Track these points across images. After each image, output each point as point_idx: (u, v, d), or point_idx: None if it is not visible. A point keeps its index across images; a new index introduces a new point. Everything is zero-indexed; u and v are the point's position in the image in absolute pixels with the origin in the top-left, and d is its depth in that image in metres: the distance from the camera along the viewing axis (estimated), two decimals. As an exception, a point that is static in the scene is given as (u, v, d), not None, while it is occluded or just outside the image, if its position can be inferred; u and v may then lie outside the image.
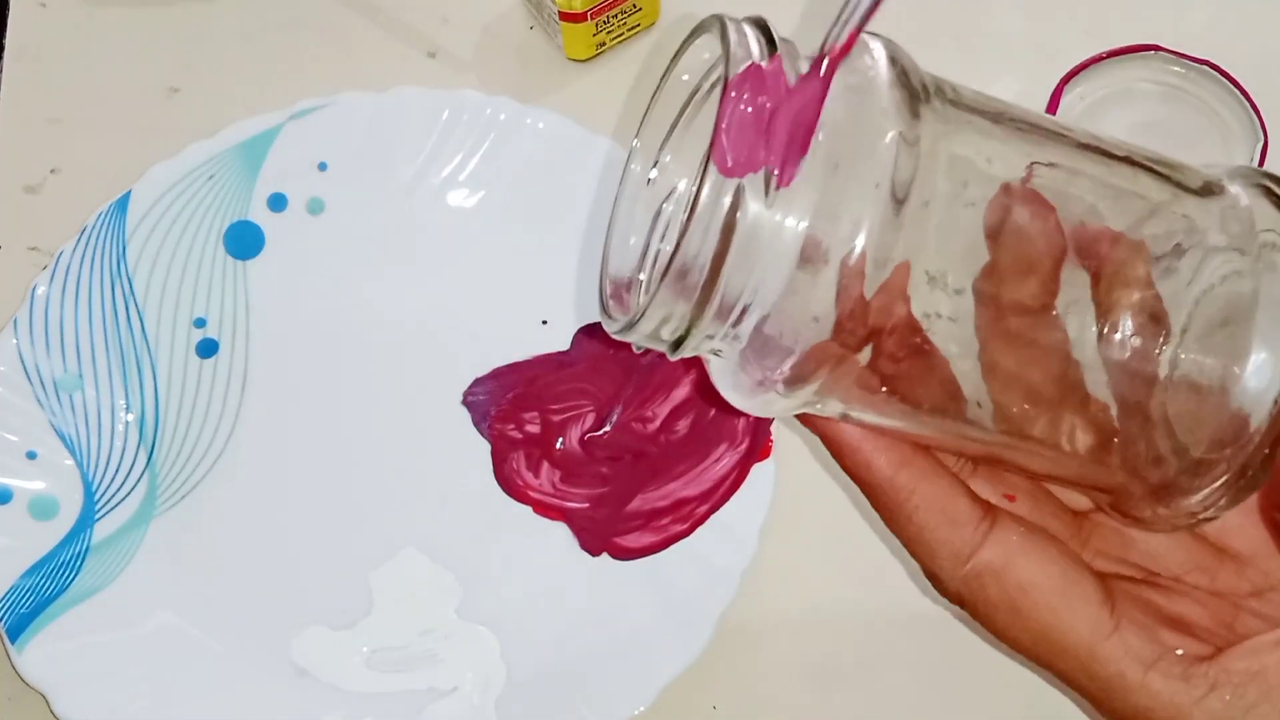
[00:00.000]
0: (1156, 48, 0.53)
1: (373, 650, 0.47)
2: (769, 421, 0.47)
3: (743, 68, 0.25)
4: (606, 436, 0.49)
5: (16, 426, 0.47)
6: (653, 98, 0.30)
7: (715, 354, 0.28)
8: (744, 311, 0.26)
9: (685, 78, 0.30)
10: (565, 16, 0.54)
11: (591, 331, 0.51)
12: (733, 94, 0.25)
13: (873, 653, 0.48)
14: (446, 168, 0.52)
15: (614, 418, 0.49)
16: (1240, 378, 0.28)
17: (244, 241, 0.51)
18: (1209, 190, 0.29)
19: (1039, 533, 0.29)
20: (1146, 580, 0.30)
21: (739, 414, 0.48)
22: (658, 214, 0.31)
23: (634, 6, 0.55)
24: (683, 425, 0.49)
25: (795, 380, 0.26)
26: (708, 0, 0.57)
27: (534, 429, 0.49)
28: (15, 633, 0.45)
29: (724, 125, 0.25)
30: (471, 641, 0.47)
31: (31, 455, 0.47)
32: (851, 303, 0.25)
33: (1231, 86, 0.52)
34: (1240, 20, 0.57)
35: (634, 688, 0.45)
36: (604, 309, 0.30)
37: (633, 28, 0.56)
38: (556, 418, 0.49)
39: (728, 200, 0.25)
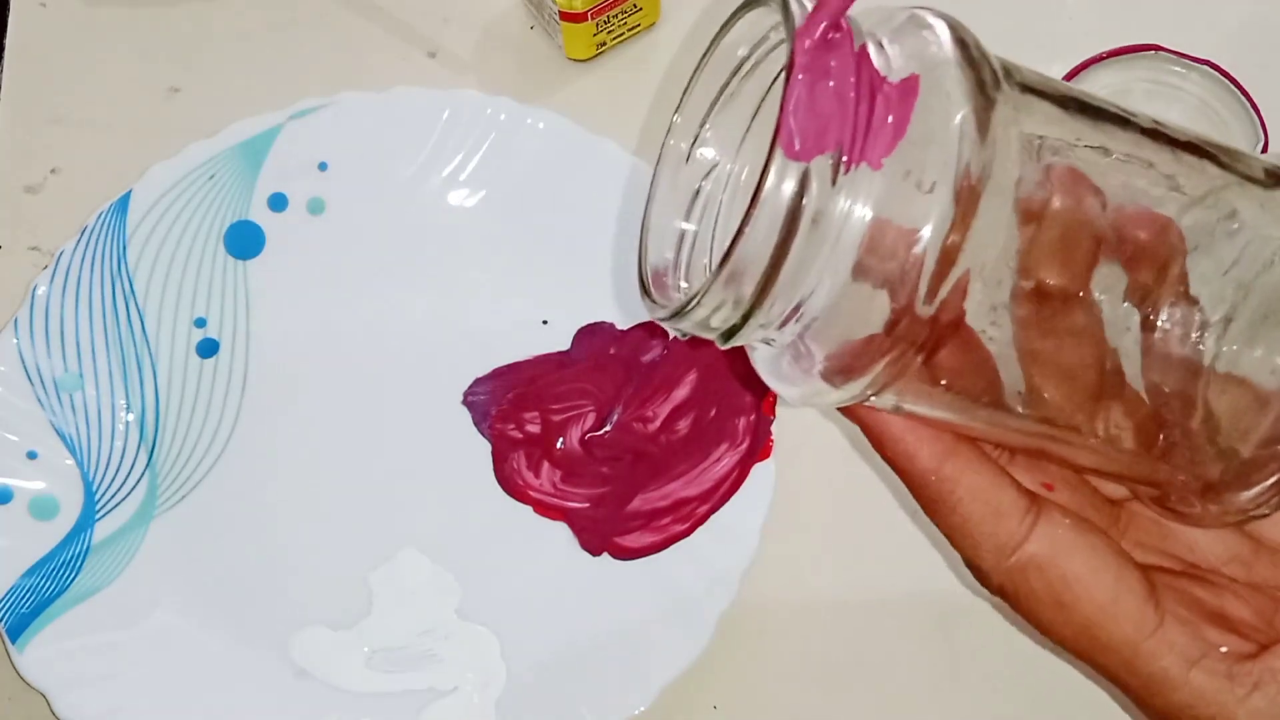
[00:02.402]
0: (1156, 48, 0.53)
1: (373, 650, 0.47)
2: (769, 421, 0.47)
3: (808, 43, 0.24)
4: (607, 436, 0.49)
5: (17, 426, 0.47)
6: (694, 74, 0.29)
7: (767, 343, 0.27)
8: (804, 302, 0.25)
9: (741, 51, 0.28)
10: (565, 16, 0.54)
11: (592, 331, 0.51)
12: (799, 74, 0.24)
13: (873, 652, 0.48)
14: (447, 168, 0.52)
15: (614, 417, 0.49)
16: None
17: (244, 241, 0.51)
18: (1272, 178, 0.28)
19: (1084, 525, 0.28)
20: (1186, 573, 0.30)
21: (748, 403, 0.47)
22: (696, 193, 0.30)
23: (634, 6, 0.55)
24: (683, 425, 0.49)
25: (851, 373, 0.25)
26: (708, 1, 0.57)
27: (534, 429, 0.49)
28: (15, 633, 0.45)
29: (790, 105, 0.23)
30: (471, 641, 0.47)
31: (32, 455, 0.47)
32: (919, 295, 0.24)
33: (1231, 86, 0.52)
34: (1240, 20, 0.57)
35: (634, 688, 0.45)
36: (646, 293, 0.29)
37: (633, 28, 0.56)
38: (557, 417, 0.49)
39: (793, 185, 0.23)
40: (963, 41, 0.25)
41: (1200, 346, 0.27)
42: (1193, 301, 0.27)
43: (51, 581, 0.46)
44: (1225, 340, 0.27)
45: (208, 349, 0.50)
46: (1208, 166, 0.28)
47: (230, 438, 0.50)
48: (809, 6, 0.25)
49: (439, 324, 0.51)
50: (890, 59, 0.25)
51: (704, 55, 0.29)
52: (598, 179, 0.51)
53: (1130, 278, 0.27)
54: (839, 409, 0.28)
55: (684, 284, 0.29)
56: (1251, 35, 0.56)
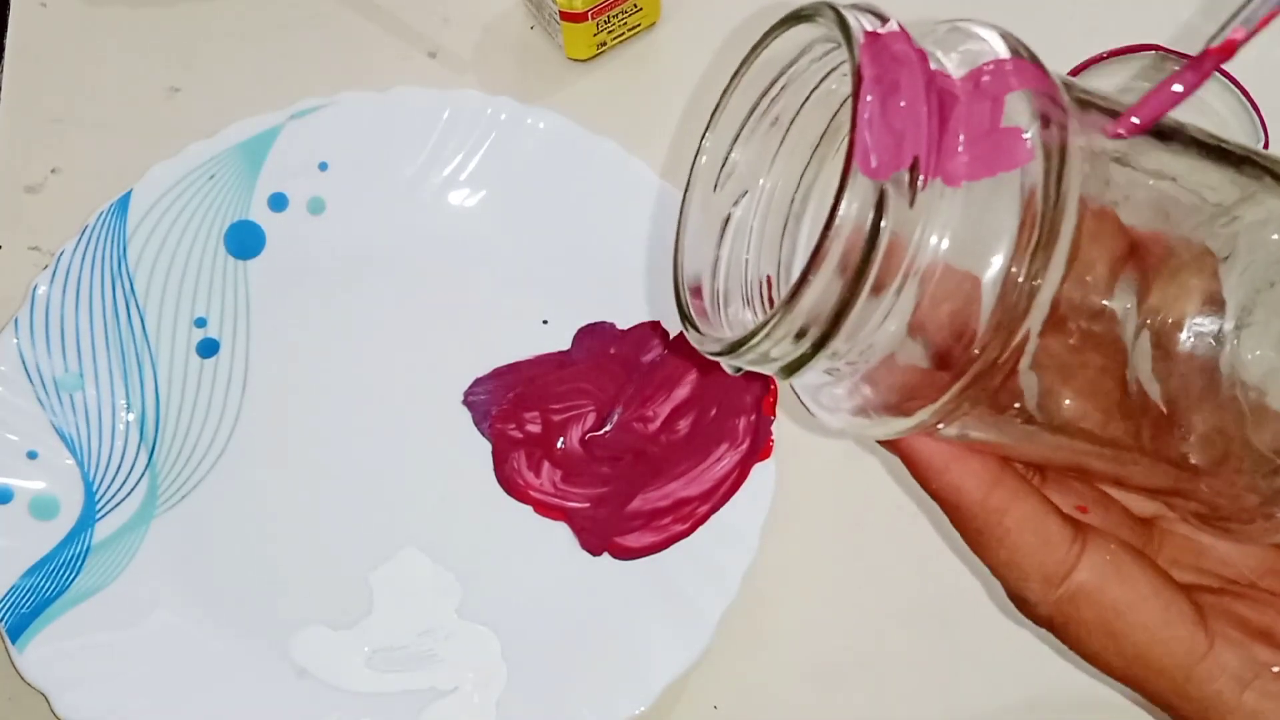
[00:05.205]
0: (1156, 48, 0.53)
1: (373, 650, 0.47)
2: (769, 421, 0.47)
3: (869, 54, 0.23)
4: (607, 436, 0.49)
5: (17, 426, 0.47)
6: (726, 91, 0.28)
7: (829, 373, 0.26)
8: (874, 334, 0.23)
9: (776, 68, 0.27)
10: (566, 16, 0.54)
11: (591, 331, 0.51)
12: (870, 89, 0.22)
13: (873, 652, 0.48)
14: (447, 167, 0.52)
15: (615, 417, 0.49)
16: None
17: (244, 241, 0.51)
18: None
19: (1128, 550, 0.28)
20: (1226, 590, 0.29)
21: (748, 403, 0.47)
22: (728, 216, 0.29)
23: (634, 6, 0.55)
24: (683, 425, 0.49)
25: (907, 410, 0.25)
26: (708, 1, 0.57)
27: (535, 429, 0.49)
28: (16, 633, 0.45)
29: (863, 120, 0.22)
30: (472, 641, 0.47)
31: (32, 455, 0.47)
32: (992, 335, 0.23)
33: (1232, 86, 0.52)
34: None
35: (634, 688, 0.45)
36: (690, 325, 0.27)
37: (633, 27, 0.56)
38: (557, 417, 0.49)
39: (870, 205, 0.22)
40: (1018, 51, 0.24)
41: (1242, 355, 0.26)
42: (1222, 312, 0.26)
43: (52, 581, 0.46)
44: (1256, 351, 0.26)
45: (208, 349, 0.50)
46: (1244, 174, 0.27)
47: (230, 438, 0.50)
48: (863, 21, 0.24)
49: (439, 324, 0.51)
50: (953, 66, 0.24)
51: (737, 71, 0.27)
52: (598, 179, 0.51)
53: (1156, 289, 0.26)
54: (879, 441, 0.27)
55: (724, 312, 0.28)
56: (1251, 35, 0.56)
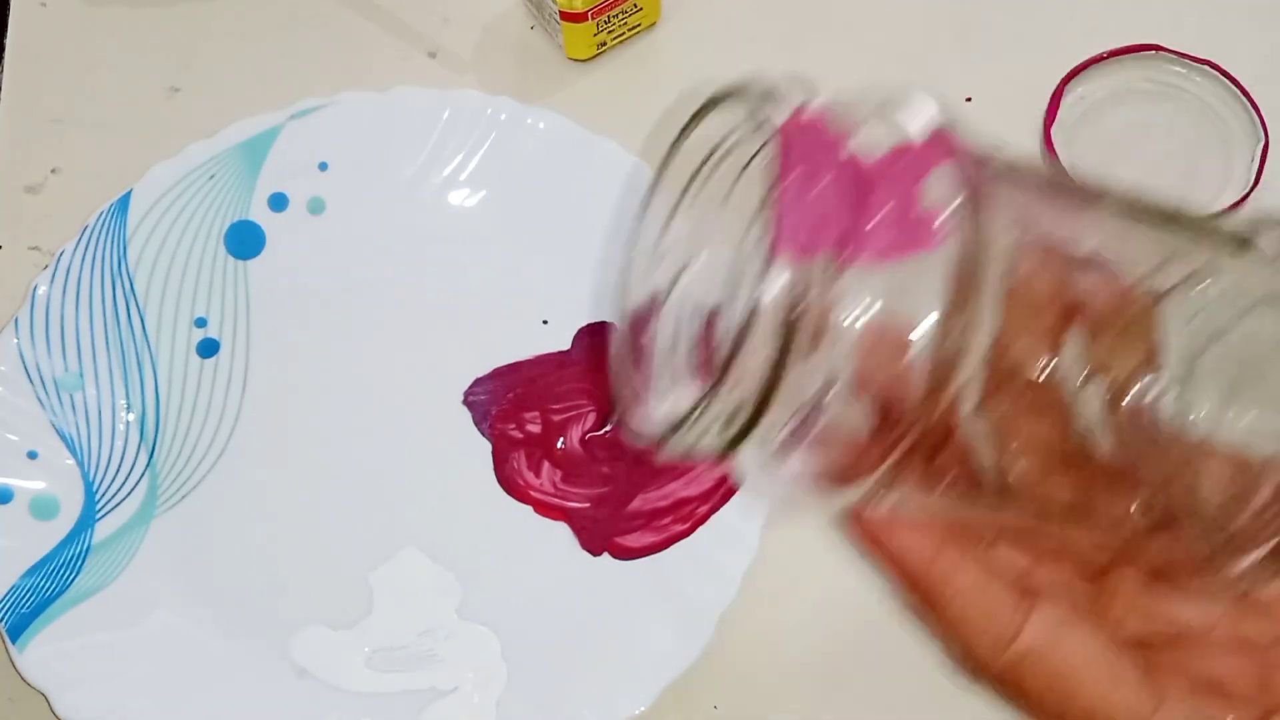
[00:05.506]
0: (1157, 48, 0.53)
1: (373, 650, 0.47)
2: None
3: (792, 137, 0.23)
4: (607, 436, 0.49)
5: (17, 426, 0.47)
6: (659, 171, 0.28)
7: (761, 449, 0.25)
8: (805, 409, 0.24)
9: (708, 146, 0.27)
10: (566, 16, 0.54)
11: (592, 331, 0.51)
12: (790, 172, 0.23)
13: (873, 653, 0.48)
14: (447, 168, 0.52)
15: (615, 417, 0.49)
16: (1271, 436, 0.26)
17: (244, 241, 0.51)
18: (1238, 242, 0.28)
19: (1076, 609, 0.28)
20: (1180, 640, 0.29)
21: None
22: (669, 294, 0.29)
23: (635, 6, 0.55)
24: (683, 425, 0.49)
25: (848, 478, 0.25)
26: (708, 1, 0.57)
27: (535, 429, 0.49)
28: (16, 633, 0.45)
29: (783, 204, 0.22)
30: (472, 641, 0.47)
31: (32, 455, 0.47)
32: (923, 396, 0.23)
33: (1232, 86, 0.52)
34: (1240, 20, 0.57)
35: (634, 688, 0.45)
36: (624, 412, 0.28)
37: (633, 27, 0.56)
38: (557, 417, 0.49)
39: (790, 289, 0.22)
40: (948, 127, 0.25)
41: (1175, 414, 0.26)
42: (1165, 368, 0.26)
43: (52, 581, 0.46)
44: (1200, 407, 0.26)
45: (208, 349, 0.50)
46: (1178, 234, 0.27)
47: (230, 438, 0.50)
48: (787, 98, 0.24)
49: (439, 324, 0.51)
50: (872, 145, 0.24)
51: (669, 151, 0.28)
52: (598, 179, 0.51)
53: (1098, 347, 0.26)
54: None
55: (666, 392, 0.28)
56: (1251, 35, 0.56)
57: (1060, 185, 0.27)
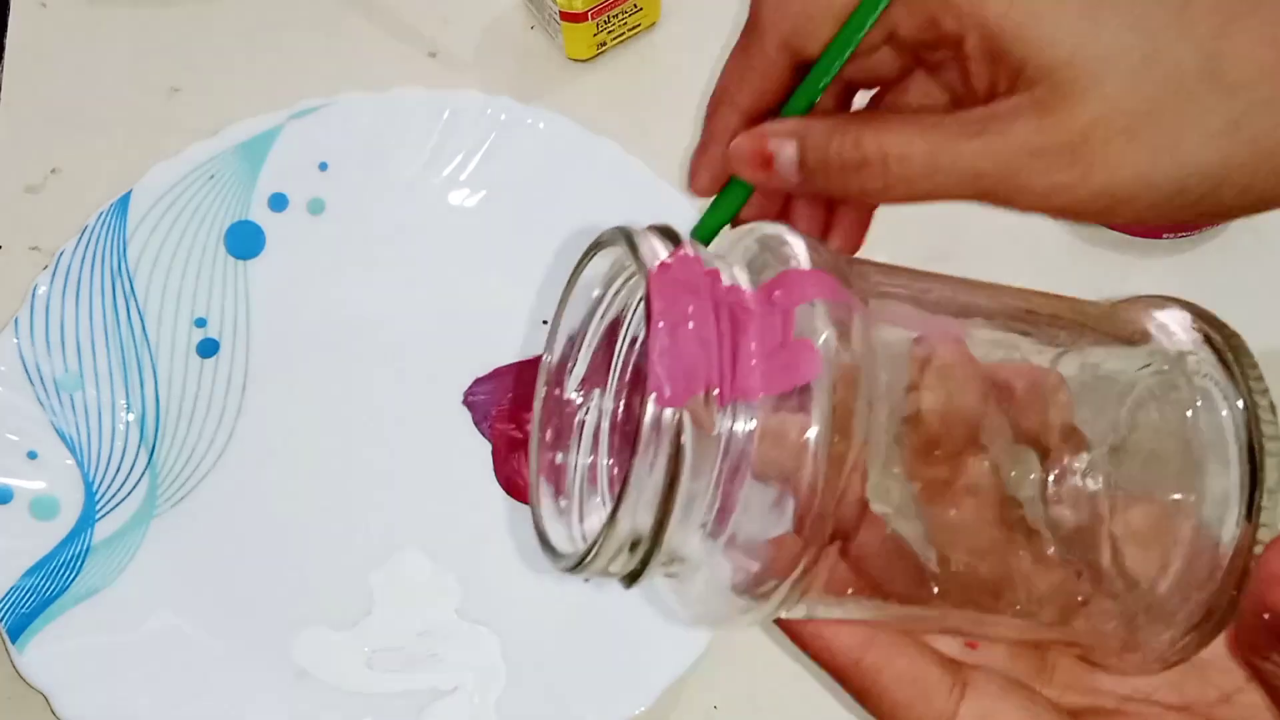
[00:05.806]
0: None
1: (373, 650, 0.47)
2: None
3: (663, 288, 0.24)
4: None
5: (17, 426, 0.47)
6: (556, 314, 0.29)
7: (669, 576, 0.27)
8: (703, 533, 0.24)
9: (596, 290, 0.28)
10: (566, 16, 0.54)
11: (592, 331, 0.51)
12: (659, 321, 0.23)
13: (873, 653, 0.48)
14: (447, 168, 0.52)
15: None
16: (1193, 516, 0.27)
17: (244, 241, 0.51)
18: (1134, 338, 0.28)
19: (1010, 686, 0.28)
20: (1120, 710, 0.30)
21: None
22: (579, 429, 0.30)
23: (634, 6, 0.55)
24: (683, 425, 0.49)
25: (763, 582, 0.25)
26: (708, 1, 0.57)
27: (534, 429, 0.49)
28: (16, 633, 0.45)
29: (655, 353, 0.23)
30: (471, 641, 0.47)
31: (32, 455, 0.47)
32: (812, 506, 0.24)
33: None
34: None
35: (634, 688, 0.45)
36: (545, 545, 0.29)
37: (633, 28, 0.56)
38: (557, 418, 0.49)
39: (669, 433, 0.23)
40: (813, 258, 0.25)
41: (1100, 487, 0.27)
42: (1082, 448, 0.27)
43: (52, 581, 0.46)
44: (1114, 486, 0.27)
45: (208, 349, 0.50)
46: (1066, 331, 0.28)
47: (230, 438, 0.50)
48: (658, 248, 0.24)
49: (439, 324, 0.51)
50: (745, 282, 0.25)
51: (563, 294, 0.29)
52: (598, 179, 0.51)
53: (1015, 431, 0.27)
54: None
55: (583, 524, 0.29)
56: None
57: (928, 298, 0.27)
